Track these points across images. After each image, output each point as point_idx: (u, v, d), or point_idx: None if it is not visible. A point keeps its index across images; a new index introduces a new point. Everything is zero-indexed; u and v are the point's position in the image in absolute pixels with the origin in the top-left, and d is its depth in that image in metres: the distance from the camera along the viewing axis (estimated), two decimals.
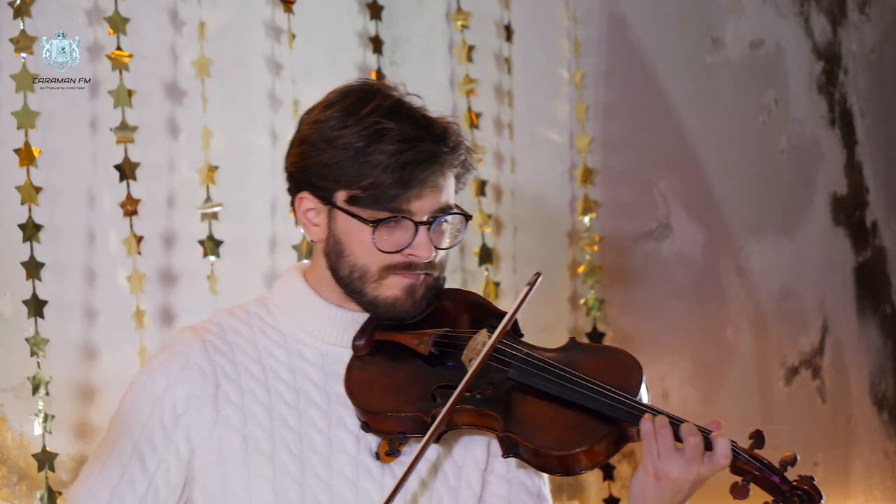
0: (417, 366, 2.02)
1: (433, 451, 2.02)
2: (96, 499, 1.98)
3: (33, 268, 2.78)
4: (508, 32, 3.64)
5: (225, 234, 3.04)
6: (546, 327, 3.67)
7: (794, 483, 1.91)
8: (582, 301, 3.75)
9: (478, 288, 3.48)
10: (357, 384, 2.00)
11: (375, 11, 3.36)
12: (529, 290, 2.01)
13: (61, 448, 2.81)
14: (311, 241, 2.08)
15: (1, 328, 2.80)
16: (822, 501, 1.91)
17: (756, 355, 4.29)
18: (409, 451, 2.00)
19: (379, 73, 3.35)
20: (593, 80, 3.87)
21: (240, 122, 3.14)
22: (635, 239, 3.99)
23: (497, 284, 3.50)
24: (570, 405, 1.95)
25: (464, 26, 3.52)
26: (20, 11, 2.79)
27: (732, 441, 1.93)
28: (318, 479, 1.97)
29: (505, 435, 1.93)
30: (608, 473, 3.72)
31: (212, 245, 3.02)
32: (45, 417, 2.75)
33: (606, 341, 3.76)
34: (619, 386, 1.96)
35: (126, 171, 2.91)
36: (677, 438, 1.91)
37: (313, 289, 2.07)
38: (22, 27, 2.79)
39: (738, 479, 1.93)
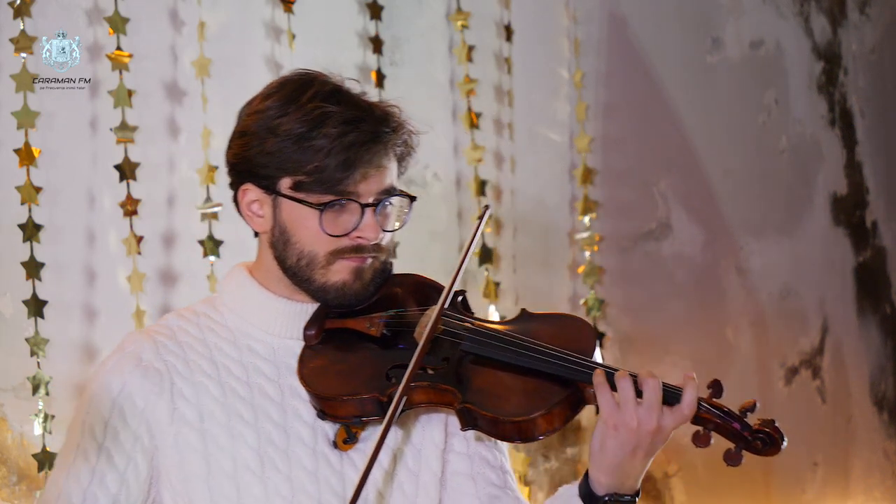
0: (370, 349, 2.02)
1: (391, 435, 2.03)
2: (68, 501, 1.96)
3: (33, 268, 2.78)
4: (508, 32, 3.64)
5: (225, 234, 3.04)
6: None
7: (756, 427, 1.90)
8: (582, 301, 3.75)
9: (478, 288, 3.48)
10: (310, 371, 2.00)
11: (375, 11, 3.36)
12: (474, 236, 2.04)
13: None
14: (256, 233, 2.09)
15: (1, 328, 2.80)
16: (785, 443, 1.90)
17: (756, 355, 4.29)
18: (367, 436, 2.01)
19: (379, 73, 3.35)
20: (593, 80, 3.87)
21: None
22: (635, 239, 3.99)
23: (497, 284, 3.50)
24: (526, 372, 1.95)
25: (464, 26, 3.52)
26: (20, 11, 2.79)
27: None
28: (278, 472, 1.97)
29: (463, 407, 1.93)
30: None
31: (212, 245, 3.02)
32: (45, 417, 2.75)
33: (606, 341, 3.76)
34: (572, 350, 1.96)
35: (126, 171, 2.91)
36: (637, 391, 1.90)
37: (259, 283, 2.07)
38: (22, 27, 2.79)
39: (699, 428, 1.92)
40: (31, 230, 2.78)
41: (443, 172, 3.52)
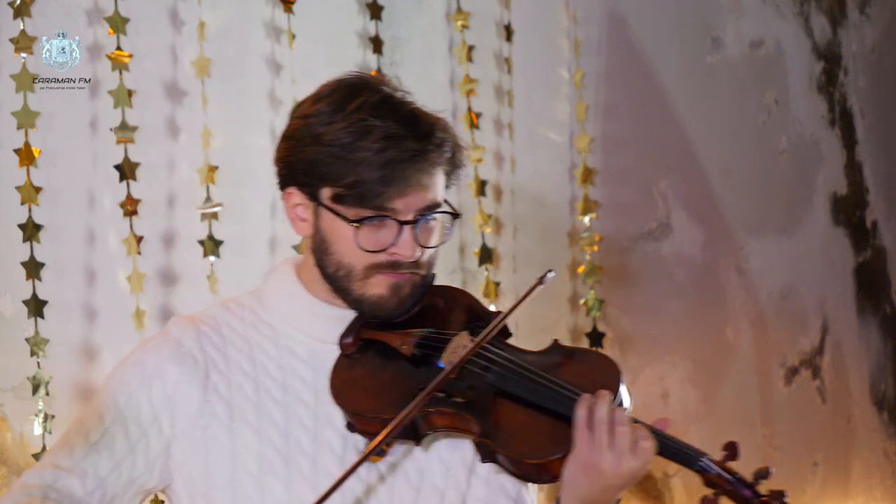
0: (402, 367, 1.99)
1: (420, 451, 2.00)
2: (71, 454, 1.94)
3: (33, 268, 2.78)
4: (508, 32, 3.64)
5: (225, 234, 3.04)
6: (546, 327, 3.67)
7: (764, 499, 1.86)
8: (582, 301, 3.75)
9: (478, 288, 3.48)
10: (342, 384, 1.98)
11: (375, 11, 3.36)
12: (530, 290, 1.98)
13: None
14: (301, 236, 2.07)
15: (1, 328, 2.80)
16: None
17: (756, 355, 4.29)
18: (396, 450, 1.99)
19: (379, 73, 3.35)
20: (593, 80, 3.87)
21: (240, 122, 3.14)
22: (635, 239, 3.99)
23: (497, 284, 3.50)
24: (547, 411, 1.92)
25: (464, 26, 3.52)
26: (20, 11, 2.79)
27: (706, 455, 1.90)
28: (304, 478, 1.96)
29: (481, 441, 1.91)
30: None
31: (212, 245, 3.02)
32: (45, 417, 2.75)
33: (606, 341, 3.76)
34: (595, 389, 1.91)
35: (126, 171, 2.91)
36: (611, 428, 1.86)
37: (304, 284, 2.05)
38: (22, 27, 2.79)
39: (710, 492, 1.89)
40: (31, 230, 2.78)
41: None
